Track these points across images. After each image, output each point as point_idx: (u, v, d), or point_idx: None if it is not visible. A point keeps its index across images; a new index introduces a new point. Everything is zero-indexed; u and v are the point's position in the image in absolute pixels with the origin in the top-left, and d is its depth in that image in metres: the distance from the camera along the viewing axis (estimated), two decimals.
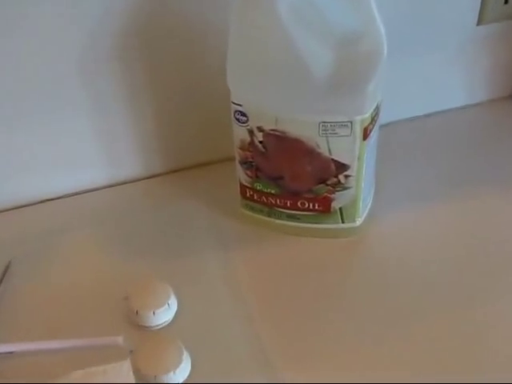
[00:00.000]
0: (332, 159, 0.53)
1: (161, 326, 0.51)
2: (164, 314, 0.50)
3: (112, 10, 0.57)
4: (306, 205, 0.56)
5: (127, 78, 0.62)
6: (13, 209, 0.65)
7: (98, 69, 0.60)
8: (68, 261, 0.58)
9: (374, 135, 0.54)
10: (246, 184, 0.58)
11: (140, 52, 0.61)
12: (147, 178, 0.69)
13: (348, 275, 0.56)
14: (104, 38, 0.59)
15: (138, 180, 0.69)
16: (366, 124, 0.51)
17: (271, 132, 0.52)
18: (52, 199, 0.66)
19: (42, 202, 0.66)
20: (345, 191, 0.55)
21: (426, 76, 0.72)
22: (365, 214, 0.58)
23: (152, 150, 0.68)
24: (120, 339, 0.49)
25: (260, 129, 0.53)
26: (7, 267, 0.57)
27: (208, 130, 0.67)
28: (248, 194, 0.58)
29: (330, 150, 0.52)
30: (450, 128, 0.74)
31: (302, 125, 0.51)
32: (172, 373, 0.45)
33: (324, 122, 0.50)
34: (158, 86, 0.63)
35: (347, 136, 0.51)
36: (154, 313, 0.50)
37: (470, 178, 0.65)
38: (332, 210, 0.56)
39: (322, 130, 0.51)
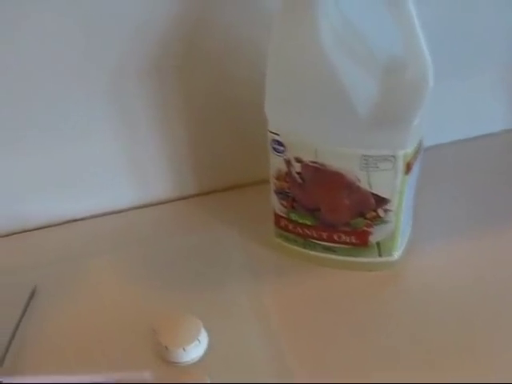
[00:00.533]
0: (372, 193, 0.50)
1: (190, 363, 0.49)
2: (194, 350, 0.49)
3: (143, 29, 0.56)
4: (343, 238, 0.54)
5: (157, 92, 0.60)
6: (37, 229, 0.64)
7: (127, 83, 0.59)
8: (92, 288, 0.57)
9: (416, 168, 0.51)
10: (281, 214, 0.56)
11: (172, 66, 0.59)
12: (176, 199, 0.67)
13: (383, 309, 0.54)
14: (135, 54, 0.57)
15: (167, 202, 0.67)
16: (409, 158, 0.49)
17: (310, 164, 0.50)
18: (75, 220, 0.65)
19: (65, 222, 0.65)
20: (383, 225, 0.52)
21: (466, 99, 0.70)
22: (403, 247, 0.56)
23: (182, 169, 0.66)
24: (148, 375, 0.47)
25: (298, 160, 0.51)
26: (33, 293, 0.56)
27: (243, 150, 0.66)
28: (282, 224, 0.56)
29: (370, 184, 0.50)
30: (491, 152, 0.72)
31: (342, 158, 0.49)
32: None
33: (366, 156, 0.48)
34: (191, 101, 0.62)
35: (389, 170, 0.49)
36: (184, 349, 0.48)
37: (510, 208, 0.63)
38: (369, 243, 0.54)
39: (364, 164, 0.49)
